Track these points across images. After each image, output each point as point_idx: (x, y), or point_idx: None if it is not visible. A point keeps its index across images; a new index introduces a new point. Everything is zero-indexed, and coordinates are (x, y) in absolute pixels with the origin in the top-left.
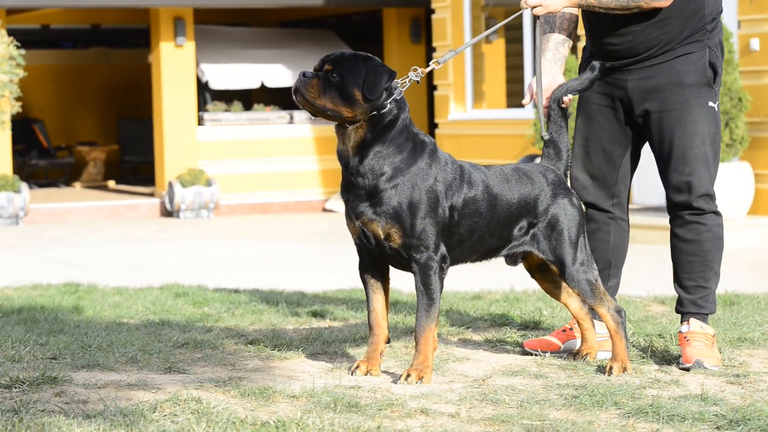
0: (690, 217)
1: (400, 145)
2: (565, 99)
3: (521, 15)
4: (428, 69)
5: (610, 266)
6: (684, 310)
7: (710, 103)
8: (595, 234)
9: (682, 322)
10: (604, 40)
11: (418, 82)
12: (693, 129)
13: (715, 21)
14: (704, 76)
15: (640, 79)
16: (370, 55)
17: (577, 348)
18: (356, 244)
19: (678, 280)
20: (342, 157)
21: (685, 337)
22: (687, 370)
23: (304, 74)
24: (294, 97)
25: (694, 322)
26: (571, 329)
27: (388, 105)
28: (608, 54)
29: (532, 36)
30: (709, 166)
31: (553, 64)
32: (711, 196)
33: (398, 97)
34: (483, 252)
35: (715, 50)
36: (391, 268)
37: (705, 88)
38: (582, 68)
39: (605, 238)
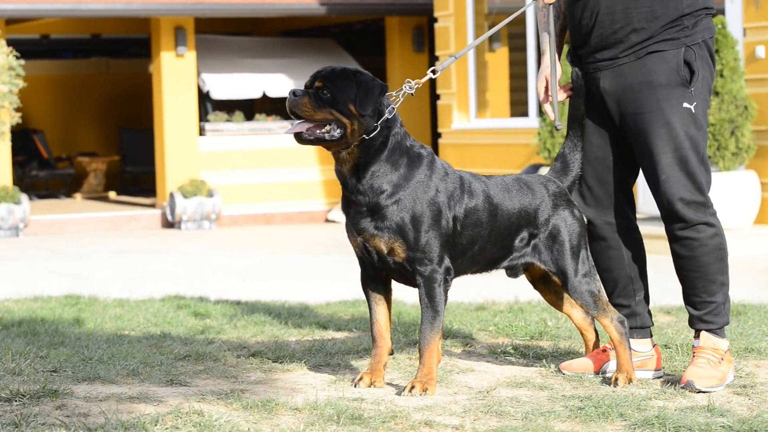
0: (680, 233)
1: (395, 162)
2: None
3: (524, 12)
4: (423, 80)
5: (631, 281)
6: (694, 326)
7: (685, 104)
8: (607, 252)
9: (695, 336)
10: (576, 19)
11: (412, 94)
12: (666, 133)
13: (698, 18)
14: (677, 75)
15: (611, 79)
16: (360, 69)
17: (611, 369)
18: (358, 256)
19: (685, 296)
20: (340, 176)
21: (694, 353)
22: (684, 388)
23: (294, 93)
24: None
25: (704, 337)
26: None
27: (379, 127)
28: (581, 35)
29: (536, 37)
30: (691, 170)
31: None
32: (697, 204)
33: (389, 116)
34: (484, 263)
35: (694, 49)
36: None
37: (678, 88)
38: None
39: (618, 254)
